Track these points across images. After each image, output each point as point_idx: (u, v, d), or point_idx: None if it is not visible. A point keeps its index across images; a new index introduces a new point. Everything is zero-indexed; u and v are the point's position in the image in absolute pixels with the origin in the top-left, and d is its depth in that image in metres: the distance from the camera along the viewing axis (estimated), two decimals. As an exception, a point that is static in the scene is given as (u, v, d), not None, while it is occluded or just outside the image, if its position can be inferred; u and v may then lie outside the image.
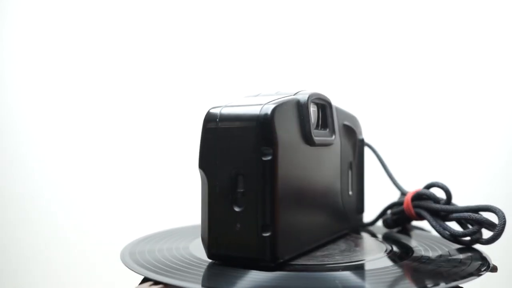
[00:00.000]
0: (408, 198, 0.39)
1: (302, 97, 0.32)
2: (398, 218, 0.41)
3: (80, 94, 0.73)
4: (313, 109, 0.34)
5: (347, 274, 0.28)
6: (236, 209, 0.29)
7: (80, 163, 0.73)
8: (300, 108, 0.31)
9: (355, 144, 0.41)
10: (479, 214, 0.35)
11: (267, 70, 0.71)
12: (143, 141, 0.72)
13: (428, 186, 0.38)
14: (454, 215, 0.36)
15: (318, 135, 0.33)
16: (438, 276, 0.29)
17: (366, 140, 0.44)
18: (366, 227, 0.44)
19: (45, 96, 0.73)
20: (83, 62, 0.73)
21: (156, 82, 0.72)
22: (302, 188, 0.32)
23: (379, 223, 0.44)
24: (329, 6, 0.70)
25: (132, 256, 0.32)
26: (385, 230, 0.43)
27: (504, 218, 0.33)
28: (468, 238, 0.35)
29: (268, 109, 0.28)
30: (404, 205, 0.40)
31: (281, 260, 0.29)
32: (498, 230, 0.33)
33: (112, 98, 0.73)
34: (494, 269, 0.32)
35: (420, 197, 0.38)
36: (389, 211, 0.43)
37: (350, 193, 0.40)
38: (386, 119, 0.67)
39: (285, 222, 0.29)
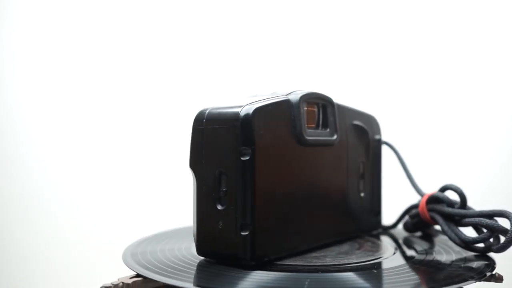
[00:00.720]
0: (423, 201, 0.37)
1: (294, 97, 0.32)
2: (417, 221, 0.40)
3: (80, 94, 0.73)
4: (309, 109, 0.34)
5: (323, 276, 0.28)
6: (219, 207, 0.30)
7: (81, 163, 0.73)
8: (291, 108, 0.32)
9: (369, 144, 0.40)
10: (493, 219, 0.33)
11: (280, 70, 0.71)
12: (145, 141, 0.72)
13: (443, 189, 0.36)
14: (466, 220, 0.34)
15: (314, 135, 0.33)
16: (427, 281, 0.28)
17: (388, 140, 0.43)
18: (387, 230, 0.43)
19: (45, 96, 0.74)
20: (83, 63, 0.73)
21: (157, 84, 0.72)
22: (292, 189, 0.32)
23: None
24: (342, 2, 0.69)
25: (134, 257, 0.33)
26: (407, 233, 0.42)
27: (517, 225, 0.31)
28: (481, 244, 0.33)
29: (248, 110, 0.29)
30: (419, 208, 0.38)
31: (266, 259, 0.30)
32: (509, 237, 0.31)
33: (113, 99, 0.72)
34: (499, 278, 0.30)
35: (434, 200, 0.37)
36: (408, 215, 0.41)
37: (362, 194, 0.39)
38: (393, 119, 0.65)
39: (269, 222, 0.30)
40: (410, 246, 0.37)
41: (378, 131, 0.42)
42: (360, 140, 0.39)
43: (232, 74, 0.71)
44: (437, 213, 0.36)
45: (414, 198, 0.42)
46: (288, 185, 0.31)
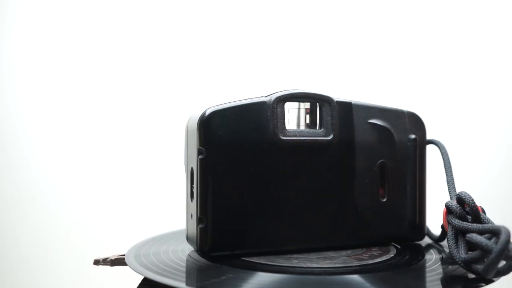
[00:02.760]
0: (444, 211, 0.32)
1: (269, 98, 0.33)
2: (453, 234, 0.34)
3: (81, 95, 0.74)
4: (298, 109, 0.34)
5: (251, 274, 0.29)
6: (192, 201, 0.33)
7: (82, 162, 0.73)
8: (267, 109, 0.33)
9: (394, 144, 0.36)
10: (496, 237, 0.27)
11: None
12: (149, 141, 0.72)
13: (458, 198, 0.31)
14: (467, 236, 0.28)
15: (298, 135, 0.33)
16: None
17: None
18: (437, 242, 0.37)
19: (45, 97, 0.75)
20: (83, 63, 0.74)
21: (158, 85, 0.72)
22: (263, 188, 0.33)
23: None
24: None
25: (137, 258, 0.35)
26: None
27: (504, 244, 0.25)
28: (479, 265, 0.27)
29: (206, 112, 0.32)
30: (443, 219, 0.33)
31: (228, 253, 0.32)
32: (490, 259, 0.25)
33: (114, 99, 0.73)
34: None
35: (449, 211, 0.31)
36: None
37: (384, 199, 0.36)
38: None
39: (229, 218, 0.32)
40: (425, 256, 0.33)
41: (415, 129, 0.37)
42: (379, 140, 0.36)
43: (238, 76, 0.71)
44: (450, 225, 0.31)
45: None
46: (256, 184, 0.33)
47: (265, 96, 0.34)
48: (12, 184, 0.75)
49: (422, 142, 0.38)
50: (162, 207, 0.71)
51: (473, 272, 0.28)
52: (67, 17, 0.76)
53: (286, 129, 0.34)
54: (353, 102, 0.36)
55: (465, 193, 0.31)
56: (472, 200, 0.30)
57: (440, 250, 0.36)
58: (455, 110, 0.67)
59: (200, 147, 0.32)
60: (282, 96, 0.34)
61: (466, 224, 0.29)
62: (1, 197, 0.76)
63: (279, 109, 0.34)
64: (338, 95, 0.36)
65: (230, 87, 0.72)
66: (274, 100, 0.33)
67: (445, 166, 0.37)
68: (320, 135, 0.35)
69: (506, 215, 0.62)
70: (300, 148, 0.34)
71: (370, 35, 0.71)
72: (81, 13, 0.76)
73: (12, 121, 0.77)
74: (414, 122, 0.38)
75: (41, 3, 0.77)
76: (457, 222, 0.30)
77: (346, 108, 0.36)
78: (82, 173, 0.74)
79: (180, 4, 0.74)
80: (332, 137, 0.35)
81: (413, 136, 0.38)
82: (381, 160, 0.37)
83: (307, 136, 0.34)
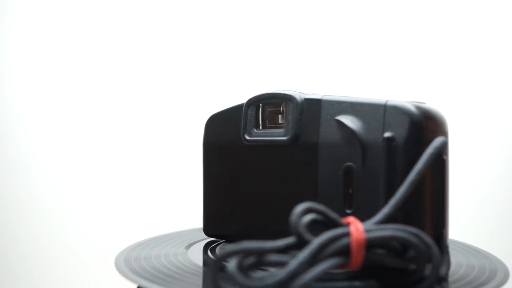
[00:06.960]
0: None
1: (243, 102, 0.38)
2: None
3: (80, 94, 0.75)
4: (270, 109, 0.38)
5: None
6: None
7: (82, 163, 0.75)
8: (241, 112, 0.38)
9: (361, 145, 0.32)
10: None
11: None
12: (148, 140, 0.73)
13: None
14: None
15: (259, 136, 0.37)
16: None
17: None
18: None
19: (46, 97, 0.75)
20: (83, 63, 0.75)
21: (162, 84, 0.72)
22: (239, 185, 0.39)
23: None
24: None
25: (127, 263, 0.36)
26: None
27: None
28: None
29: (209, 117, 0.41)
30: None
31: (222, 235, 0.40)
32: None
33: (114, 99, 0.73)
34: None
35: None
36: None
37: (350, 210, 0.32)
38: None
39: (217, 206, 0.40)
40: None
41: (396, 125, 0.31)
42: (343, 139, 0.31)
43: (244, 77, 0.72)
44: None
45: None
46: (233, 181, 0.39)
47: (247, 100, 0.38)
48: (12, 184, 0.79)
49: (407, 141, 0.31)
50: (163, 208, 0.74)
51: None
52: (67, 17, 0.79)
53: (253, 130, 0.37)
54: (323, 98, 0.34)
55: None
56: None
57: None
58: (455, 110, 0.66)
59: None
60: (252, 98, 0.38)
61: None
62: (1, 197, 0.80)
63: (249, 112, 0.38)
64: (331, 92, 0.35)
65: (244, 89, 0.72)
66: (245, 103, 0.38)
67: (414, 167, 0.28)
68: (279, 135, 0.36)
69: (506, 215, 0.63)
70: (262, 149, 0.38)
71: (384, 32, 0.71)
72: (81, 13, 0.79)
73: (12, 121, 0.81)
74: (395, 117, 0.31)
75: (41, 3, 0.80)
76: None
77: (315, 105, 0.35)
78: (82, 173, 0.78)
79: (181, 6, 0.76)
80: (290, 137, 0.35)
81: (388, 134, 0.31)
82: (346, 164, 0.33)
83: (267, 137, 0.37)
